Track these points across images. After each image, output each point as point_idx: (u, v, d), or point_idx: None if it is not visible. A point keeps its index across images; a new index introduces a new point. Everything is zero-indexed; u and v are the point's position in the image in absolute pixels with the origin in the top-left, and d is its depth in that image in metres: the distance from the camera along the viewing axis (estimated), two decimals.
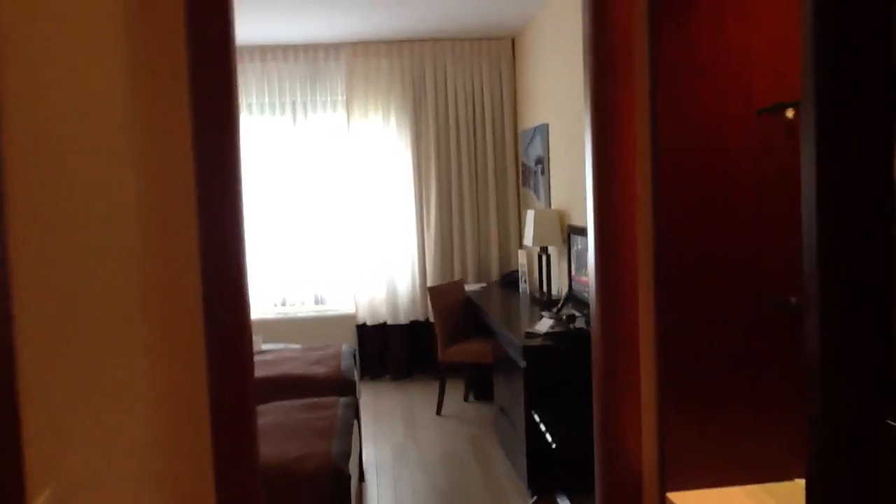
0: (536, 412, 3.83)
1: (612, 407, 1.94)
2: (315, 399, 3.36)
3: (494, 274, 6.51)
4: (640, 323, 1.94)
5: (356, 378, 3.89)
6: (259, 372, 3.89)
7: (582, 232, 4.51)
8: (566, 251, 5.07)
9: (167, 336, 1.39)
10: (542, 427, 3.69)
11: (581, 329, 4.09)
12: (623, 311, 1.92)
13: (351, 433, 2.99)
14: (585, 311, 4.21)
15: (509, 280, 6.19)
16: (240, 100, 6.35)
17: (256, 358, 4.32)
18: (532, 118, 5.97)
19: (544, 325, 4.20)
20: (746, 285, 1.89)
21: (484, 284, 6.27)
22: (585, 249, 4.25)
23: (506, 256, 6.60)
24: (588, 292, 4.34)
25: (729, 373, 1.91)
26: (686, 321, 1.90)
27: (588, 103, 1.96)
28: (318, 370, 3.86)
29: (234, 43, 1.47)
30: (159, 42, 1.35)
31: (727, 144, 1.87)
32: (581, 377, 3.87)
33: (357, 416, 3.55)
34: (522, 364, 3.90)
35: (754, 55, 1.86)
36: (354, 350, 4.61)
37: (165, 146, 1.37)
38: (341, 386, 3.68)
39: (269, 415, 3.16)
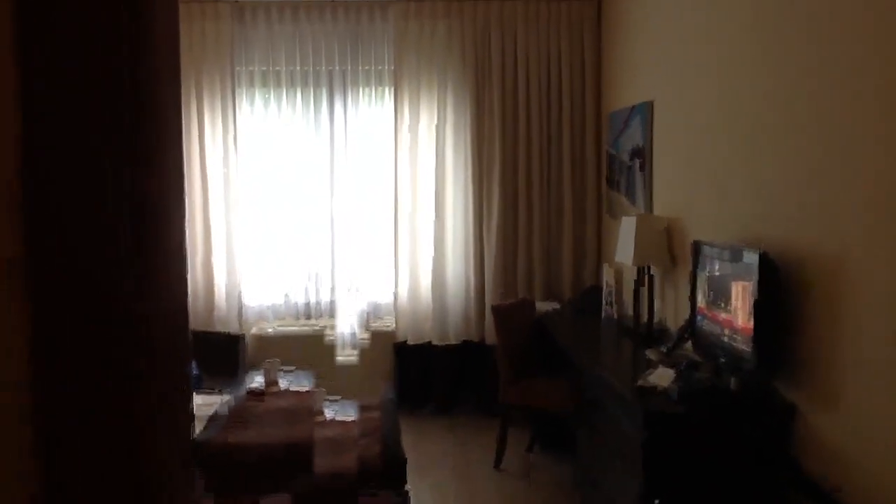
0: None
1: None
2: None
3: (566, 292, 5.27)
4: None
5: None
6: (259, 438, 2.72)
7: (719, 251, 3.11)
8: (677, 272, 3.84)
9: None
10: None
11: (721, 388, 2.86)
12: None
13: None
14: (722, 360, 2.96)
15: (585, 301, 4.92)
16: (263, 69, 5.23)
17: (262, 404, 3.15)
18: (627, 96, 4.71)
19: (664, 376, 2.98)
20: None
21: (556, 304, 5.04)
22: (728, 276, 2.95)
23: (581, 272, 5.36)
24: (729, 336, 3.07)
25: None
26: None
27: None
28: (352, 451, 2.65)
29: None
30: None
31: None
32: (731, 464, 2.64)
33: None
34: (641, 435, 2.68)
35: None
36: (393, 393, 3.42)
37: None
38: (388, 473, 2.48)
39: None
